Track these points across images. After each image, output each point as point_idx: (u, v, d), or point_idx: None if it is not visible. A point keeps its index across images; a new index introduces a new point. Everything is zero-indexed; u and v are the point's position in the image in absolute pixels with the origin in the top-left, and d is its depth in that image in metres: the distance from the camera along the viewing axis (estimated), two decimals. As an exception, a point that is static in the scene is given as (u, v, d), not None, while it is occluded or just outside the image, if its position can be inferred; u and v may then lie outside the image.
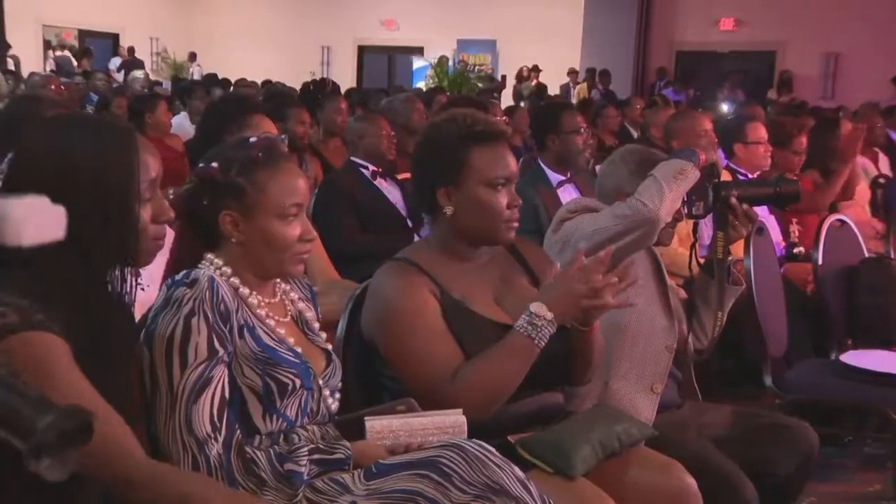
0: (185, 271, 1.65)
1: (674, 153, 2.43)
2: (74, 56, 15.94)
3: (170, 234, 1.81)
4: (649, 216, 2.21)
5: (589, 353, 2.02)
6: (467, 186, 1.99)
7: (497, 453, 1.54)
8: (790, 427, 2.39)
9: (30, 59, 15.67)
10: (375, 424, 1.70)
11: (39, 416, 1.00)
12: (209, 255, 1.71)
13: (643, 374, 2.29)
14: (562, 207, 2.51)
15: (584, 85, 14.46)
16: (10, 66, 13.19)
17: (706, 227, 3.90)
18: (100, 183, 1.40)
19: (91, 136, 1.42)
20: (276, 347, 1.67)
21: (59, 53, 14.90)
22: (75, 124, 1.46)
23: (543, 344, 1.88)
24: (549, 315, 1.87)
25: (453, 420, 1.72)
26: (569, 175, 3.95)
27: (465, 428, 1.76)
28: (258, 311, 1.70)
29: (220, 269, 1.69)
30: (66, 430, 1.01)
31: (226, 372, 1.60)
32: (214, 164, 1.69)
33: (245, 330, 1.64)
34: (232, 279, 1.69)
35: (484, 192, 1.99)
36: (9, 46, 14.91)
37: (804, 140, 4.44)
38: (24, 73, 11.55)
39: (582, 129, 3.98)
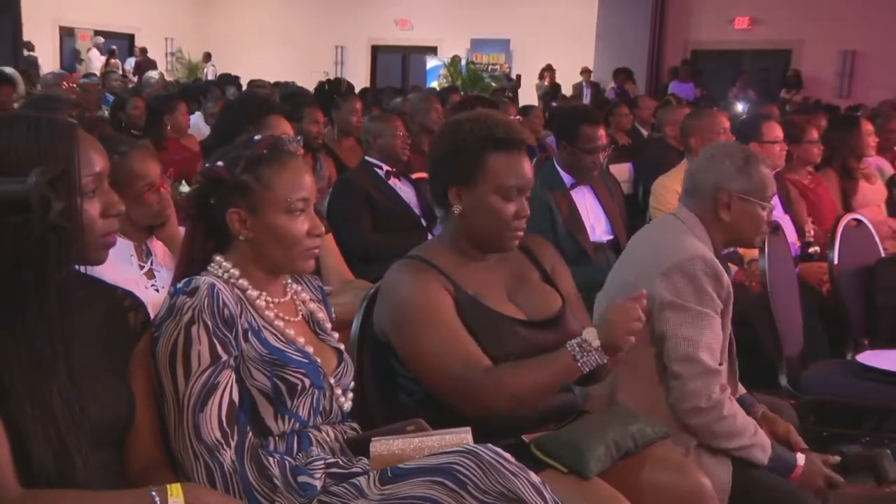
0: (186, 279, 1.65)
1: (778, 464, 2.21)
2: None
3: (181, 235, 1.82)
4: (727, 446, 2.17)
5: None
6: (479, 190, 2.00)
7: (512, 459, 1.54)
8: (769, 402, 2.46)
9: (46, 59, 15.78)
10: (379, 446, 1.67)
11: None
12: (218, 258, 1.72)
13: None
14: (687, 256, 2.22)
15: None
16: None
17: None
18: None
19: (28, 132, 1.39)
20: (284, 349, 1.68)
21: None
22: (14, 122, 1.43)
23: (587, 370, 1.90)
24: (597, 343, 1.88)
25: (460, 439, 1.69)
26: (582, 177, 3.92)
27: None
28: (266, 312, 1.71)
29: (228, 271, 1.70)
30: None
31: (233, 376, 1.60)
32: (220, 164, 1.70)
33: (250, 333, 1.65)
34: (240, 281, 1.70)
35: (494, 198, 1.99)
36: (31, 47, 14.97)
37: (815, 131, 4.45)
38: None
39: (597, 147, 3.83)
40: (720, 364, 2.22)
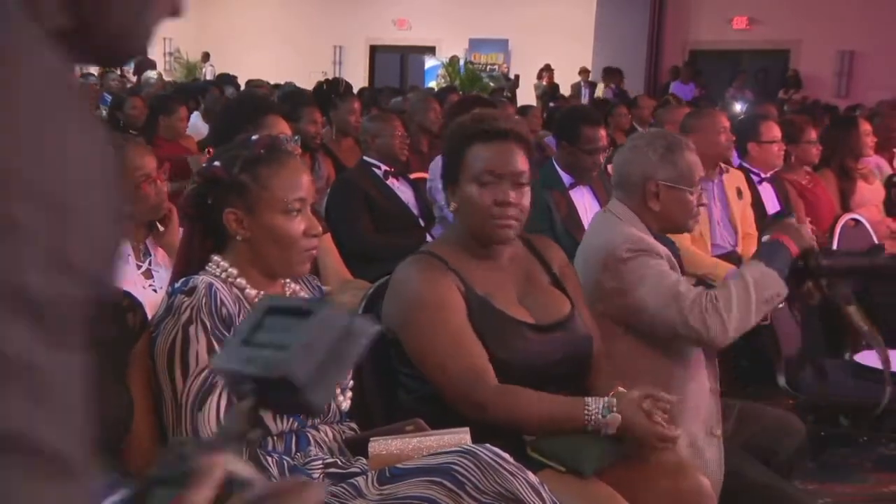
0: (184, 278, 1.65)
1: (767, 250, 2.29)
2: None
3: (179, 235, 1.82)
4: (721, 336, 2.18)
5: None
6: (461, 184, 2.00)
7: (510, 459, 1.53)
8: (779, 417, 2.51)
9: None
10: (377, 446, 1.67)
11: None
12: (216, 258, 1.72)
13: (702, 418, 2.28)
14: (616, 243, 2.27)
15: (603, 85, 14.38)
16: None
17: (717, 226, 3.91)
18: None
19: None
20: None
21: None
22: None
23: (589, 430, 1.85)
24: (611, 431, 1.82)
25: (458, 439, 1.69)
26: (581, 177, 3.92)
27: None
28: None
29: (225, 270, 1.70)
30: None
31: None
32: (217, 164, 1.70)
33: None
34: (238, 280, 1.70)
35: (471, 188, 1.97)
36: None
37: (813, 132, 4.45)
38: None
39: (598, 147, 3.83)
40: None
